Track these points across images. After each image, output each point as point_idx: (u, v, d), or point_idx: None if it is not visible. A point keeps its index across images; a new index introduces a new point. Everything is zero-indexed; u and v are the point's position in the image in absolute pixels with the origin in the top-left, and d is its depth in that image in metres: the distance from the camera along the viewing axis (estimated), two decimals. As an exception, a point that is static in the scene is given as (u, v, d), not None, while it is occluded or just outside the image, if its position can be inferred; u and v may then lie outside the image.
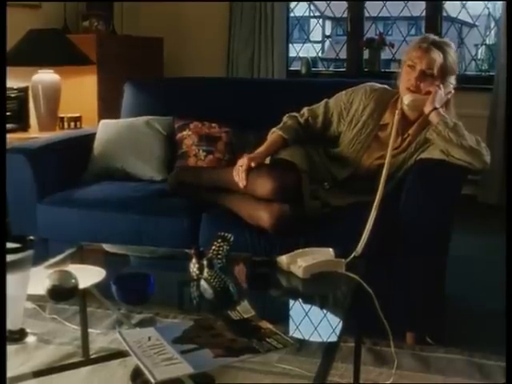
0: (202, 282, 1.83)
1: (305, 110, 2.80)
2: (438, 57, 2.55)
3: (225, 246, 1.95)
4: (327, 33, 9.06)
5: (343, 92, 2.80)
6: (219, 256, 1.94)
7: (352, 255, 2.04)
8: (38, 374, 2.02)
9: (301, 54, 5.68)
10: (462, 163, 2.47)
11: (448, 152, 2.49)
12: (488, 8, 5.21)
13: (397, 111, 2.59)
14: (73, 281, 1.79)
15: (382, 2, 5.32)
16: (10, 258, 1.61)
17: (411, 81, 2.57)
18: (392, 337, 2.12)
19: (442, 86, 2.57)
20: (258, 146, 2.77)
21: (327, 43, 8.32)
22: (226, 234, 1.98)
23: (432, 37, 2.63)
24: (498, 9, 4.94)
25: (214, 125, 3.25)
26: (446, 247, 2.49)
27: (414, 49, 2.59)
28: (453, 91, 2.64)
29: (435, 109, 2.53)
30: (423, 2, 5.11)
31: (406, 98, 2.58)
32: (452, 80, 2.63)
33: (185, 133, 3.24)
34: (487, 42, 5.44)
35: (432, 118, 2.54)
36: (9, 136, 3.67)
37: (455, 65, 2.64)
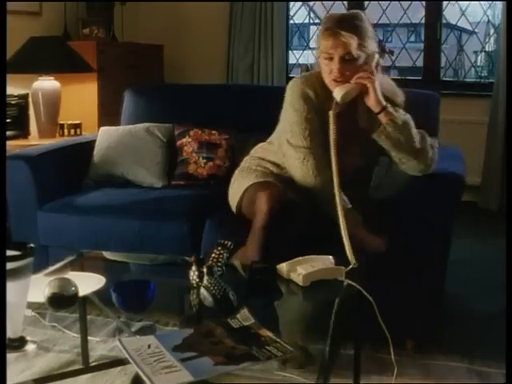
0: (202, 290, 1.83)
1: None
2: (350, 38, 2.35)
3: (225, 254, 1.95)
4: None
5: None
6: (219, 263, 1.94)
7: (349, 267, 2.03)
8: (37, 381, 2.02)
9: (300, 61, 5.69)
10: (416, 174, 2.42)
11: (401, 161, 2.42)
12: (487, 15, 5.23)
13: (331, 112, 2.37)
14: (73, 288, 1.79)
15: (381, 8, 5.34)
16: (10, 265, 1.61)
17: (334, 72, 2.39)
18: (392, 344, 2.12)
19: (371, 67, 2.39)
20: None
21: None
22: (226, 242, 1.98)
23: (334, 17, 2.43)
24: (498, 16, 4.96)
25: (214, 132, 3.25)
26: (446, 256, 2.49)
27: (323, 37, 2.40)
28: (377, 56, 2.45)
29: (383, 109, 2.39)
30: (423, 9, 5.13)
31: (337, 94, 2.38)
32: (373, 44, 2.44)
33: (185, 140, 3.24)
34: (487, 48, 5.46)
35: (381, 118, 2.40)
36: (9, 143, 3.67)
37: (369, 27, 2.44)
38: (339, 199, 2.23)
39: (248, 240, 2.36)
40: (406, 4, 5.34)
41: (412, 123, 2.42)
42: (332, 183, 2.29)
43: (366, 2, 5.26)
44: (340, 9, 5.29)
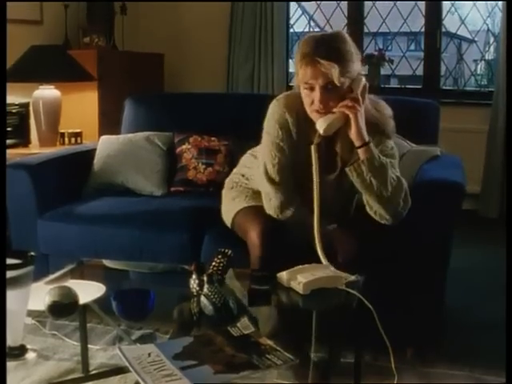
0: (202, 298, 1.83)
1: None
2: (331, 67, 2.15)
3: (225, 262, 1.96)
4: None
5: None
6: (219, 272, 1.94)
7: (352, 278, 2.02)
8: (37, 390, 2.02)
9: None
10: (378, 219, 2.29)
11: (368, 204, 2.29)
12: (487, 24, 5.24)
13: (313, 146, 2.25)
14: (73, 297, 1.79)
15: (381, 17, 5.35)
16: (10, 274, 1.61)
17: (316, 104, 2.22)
18: (392, 352, 2.12)
19: (356, 93, 2.23)
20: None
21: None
22: (226, 250, 1.98)
23: (312, 40, 2.21)
24: (497, 24, 4.98)
25: (213, 138, 3.26)
26: (446, 264, 2.49)
27: (301, 66, 2.20)
28: (363, 79, 2.26)
29: (364, 145, 2.23)
30: (422, 18, 5.14)
31: (320, 126, 2.23)
32: (358, 66, 2.24)
33: (184, 146, 3.25)
34: (486, 57, 5.47)
35: (360, 154, 2.24)
36: (10, 151, 3.68)
37: (352, 49, 2.22)
38: (318, 233, 2.17)
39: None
40: (405, 12, 5.36)
41: (392, 169, 2.27)
42: (302, 214, 2.27)
43: (366, 11, 5.28)
44: (340, 17, 5.31)
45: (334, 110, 2.23)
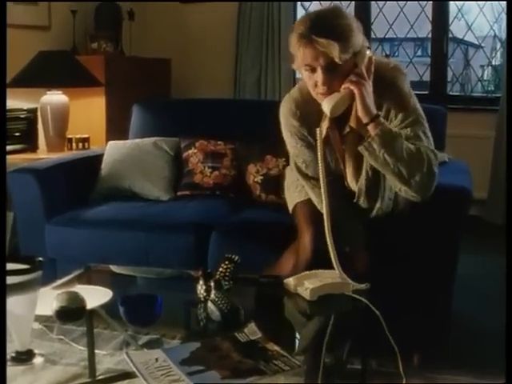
0: (209, 304, 1.83)
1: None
2: (329, 45, 2.01)
3: (232, 268, 1.96)
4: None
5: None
6: (226, 277, 1.95)
7: (362, 286, 2.01)
8: (44, 395, 2.02)
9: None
10: (409, 197, 2.17)
11: (390, 180, 2.17)
12: (494, 29, 5.24)
13: (319, 130, 2.07)
14: (80, 302, 1.80)
15: (388, 23, 5.36)
16: (18, 279, 1.61)
17: (320, 86, 2.10)
18: (400, 357, 2.11)
19: (360, 68, 2.10)
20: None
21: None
22: (233, 256, 1.98)
23: (308, 19, 2.08)
24: (504, 30, 4.97)
25: (219, 142, 3.27)
26: (454, 269, 2.49)
27: (300, 46, 2.06)
28: (368, 53, 2.13)
29: (373, 119, 2.09)
30: (429, 24, 5.14)
31: (326, 107, 2.10)
32: (359, 39, 2.09)
33: (190, 151, 3.26)
34: (493, 63, 5.46)
35: (369, 130, 2.09)
36: (17, 157, 3.70)
37: (352, 22, 2.09)
38: (328, 228, 1.99)
39: (290, 257, 2.35)
40: (412, 18, 5.36)
41: (411, 137, 2.13)
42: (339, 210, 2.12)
43: (373, 16, 5.28)
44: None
45: (340, 88, 2.10)
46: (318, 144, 2.04)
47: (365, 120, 2.10)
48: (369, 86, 2.10)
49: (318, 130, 2.07)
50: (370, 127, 2.09)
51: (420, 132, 2.17)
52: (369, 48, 2.18)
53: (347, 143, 2.26)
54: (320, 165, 2.01)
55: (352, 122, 2.18)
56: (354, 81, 2.08)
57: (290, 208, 2.54)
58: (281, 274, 2.19)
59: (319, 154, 2.02)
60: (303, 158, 2.35)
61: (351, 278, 2.01)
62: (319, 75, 2.08)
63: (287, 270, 2.27)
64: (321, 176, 2.00)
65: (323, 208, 2.02)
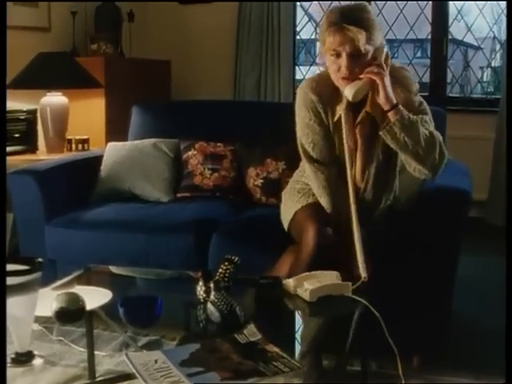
0: (209, 305, 1.83)
1: None
2: (358, 34, 2.25)
3: (232, 269, 1.96)
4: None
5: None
6: (226, 279, 1.94)
7: (360, 281, 2.03)
8: (44, 396, 2.02)
9: (307, 77, 5.70)
10: (421, 177, 2.36)
11: (406, 161, 2.35)
12: (493, 31, 5.24)
13: (342, 113, 2.36)
14: (80, 303, 1.80)
15: (387, 24, 5.36)
16: (18, 280, 1.61)
17: (343, 70, 2.30)
18: (399, 359, 2.11)
19: (380, 61, 2.31)
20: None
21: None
22: (233, 257, 1.98)
23: (338, 10, 2.33)
24: (504, 31, 4.97)
25: (219, 144, 3.27)
26: (454, 270, 2.49)
27: (329, 34, 2.29)
28: (386, 49, 2.37)
29: (393, 107, 2.29)
30: (429, 25, 5.15)
31: (348, 92, 2.30)
32: (380, 35, 2.34)
33: (190, 153, 3.26)
34: (493, 64, 5.46)
35: (390, 116, 2.30)
36: (17, 158, 3.70)
37: (376, 19, 2.36)
38: (355, 212, 2.22)
39: (287, 260, 2.37)
40: (412, 20, 5.36)
41: (425, 124, 2.33)
42: (343, 196, 2.29)
43: (373, 18, 5.27)
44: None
45: (361, 76, 2.30)
46: (343, 123, 2.34)
47: (386, 107, 2.30)
48: (388, 77, 2.31)
49: (341, 113, 2.34)
50: (391, 114, 2.29)
51: (428, 119, 2.38)
52: None
53: (360, 127, 2.42)
54: (345, 145, 2.33)
55: (368, 108, 2.38)
56: (375, 71, 2.29)
57: (288, 220, 2.54)
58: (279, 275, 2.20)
59: (344, 132, 2.34)
60: (312, 136, 2.45)
61: (351, 278, 2.04)
62: (343, 60, 2.29)
63: (284, 273, 2.28)
64: (347, 156, 2.33)
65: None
